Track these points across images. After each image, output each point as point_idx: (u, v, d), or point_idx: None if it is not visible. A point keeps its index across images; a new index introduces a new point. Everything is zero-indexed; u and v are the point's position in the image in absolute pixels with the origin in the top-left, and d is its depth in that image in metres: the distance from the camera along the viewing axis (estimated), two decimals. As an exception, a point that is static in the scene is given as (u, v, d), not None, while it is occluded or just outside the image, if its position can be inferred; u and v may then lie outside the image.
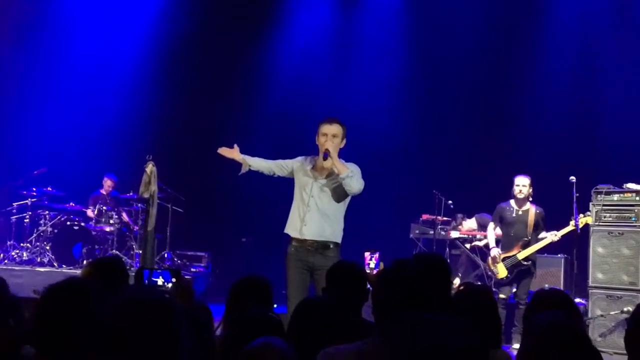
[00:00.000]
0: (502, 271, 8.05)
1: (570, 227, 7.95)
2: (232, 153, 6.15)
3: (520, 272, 8.02)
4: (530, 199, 8.13)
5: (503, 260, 8.08)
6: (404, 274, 2.71)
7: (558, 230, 8.07)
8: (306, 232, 5.61)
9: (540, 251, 9.01)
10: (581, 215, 7.98)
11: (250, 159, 6.09)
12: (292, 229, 5.71)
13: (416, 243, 10.19)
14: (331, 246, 5.59)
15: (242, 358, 2.28)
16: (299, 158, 5.96)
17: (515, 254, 8.03)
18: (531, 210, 8.09)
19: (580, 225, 7.93)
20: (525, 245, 8.02)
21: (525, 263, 8.00)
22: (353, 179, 5.54)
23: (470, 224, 10.10)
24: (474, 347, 1.63)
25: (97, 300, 2.39)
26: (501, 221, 8.26)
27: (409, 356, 1.61)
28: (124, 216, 10.95)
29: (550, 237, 8.00)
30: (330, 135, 5.62)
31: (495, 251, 8.20)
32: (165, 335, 1.84)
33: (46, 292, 2.43)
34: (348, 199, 5.75)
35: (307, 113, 12.05)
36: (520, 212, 8.11)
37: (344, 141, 5.71)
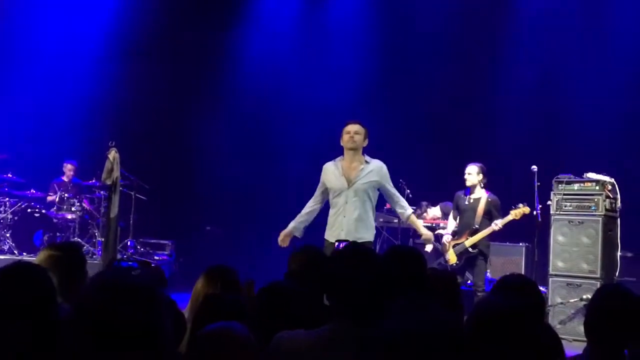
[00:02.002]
0: (452, 257, 8.15)
1: (510, 217, 7.95)
2: (287, 237, 6.48)
3: (468, 259, 8.06)
4: (481, 185, 8.14)
5: (453, 247, 8.17)
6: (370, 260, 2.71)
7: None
8: (343, 236, 5.98)
9: (502, 239, 9.14)
10: (520, 205, 8.01)
11: (298, 222, 6.48)
12: (332, 236, 6.17)
13: (380, 231, 10.22)
14: (366, 244, 5.84)
15: (201, 341, 2.27)
16: (326, 166, 6.40)
17: (463, 242, 8.09)
18: (483, 198, 8.08)
19: (518, 217, 7.96)
20: (472, 233, 8.04)
21: (472, 250, 8.03)
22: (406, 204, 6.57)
23: (434, 212, 10.16)
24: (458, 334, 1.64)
25: (45, 286, 2.36)
26: (457, 209, 8.35)
27: (401, 344, 1.60)
28: (85, 204, 10.83)
29: (492, 226, 8.03)
30: (353, 132, 6.22)
31: (445, 238, 8.32)
32: (150, 320, 1.85)
33: None
34: (377, 195, 6.34)
35: (275, 102, 12.05)
36: (472, 200, 8.15)
37: (367, 141, 6.29)
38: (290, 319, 2.73)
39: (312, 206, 6.45)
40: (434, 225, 9.97)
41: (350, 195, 6.16)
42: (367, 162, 6.28)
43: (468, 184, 8.12)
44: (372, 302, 2.49)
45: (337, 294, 2.59)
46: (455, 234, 8.31)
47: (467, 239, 8.07)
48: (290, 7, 12.39)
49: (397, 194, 6.52)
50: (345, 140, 6.26)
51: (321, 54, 12.01)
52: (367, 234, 6.16)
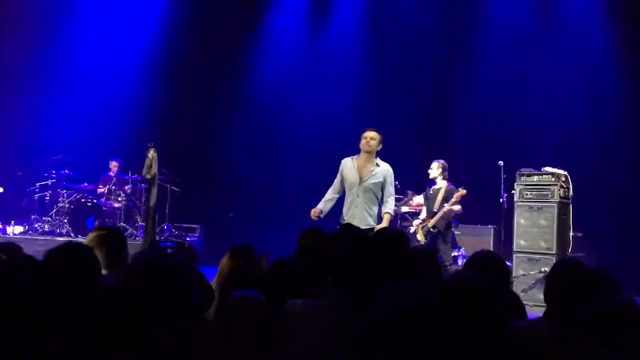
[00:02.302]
0: (421, 237, 8.19)
1: (454, 199, 7.88)
2: (317, 213, 6.46)
3: (432, 237, 8.06)
4: (442, 178, 8.11)
5: (422, 228, 8.21)
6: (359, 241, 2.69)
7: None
8: (355, 223, 6.04)
9: (474, 222, 9.17)
10: (459, 189, 8.02)
11: (323, 205, 6.48)
12: (347, 221, 6.16)
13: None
14: (373, 230, 5.99)
15: (228, 304, 2.29)
16: (344, 161, 6.46)
17: (426, 224, 8.14)
18: (442, 188, 8.10)
19: (459, 199, 7.92)
20: (432, 216, 8.10)
21: (432, 230, 8.06)
22: (391, 206, 6.38)
23: (418, 199, 10.10)
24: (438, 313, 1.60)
25: (92, 261, 2.36)
26: (425, 198, 8.42)
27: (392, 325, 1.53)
28: (128, 192, 10.81)
29: (443, 209, 8.01)
30: (369, 138, 6.32)
31: (415, 222, 8.42)
32: (179, 288, 1.89)
33: (47, 256, 2.37)
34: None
35: (283, 105, 12.02)
36: (434, 190, 8.21)
37: (381, 145, 6.40)
38: (298, 288, 2.72)
39: (331, 195, 6.50)
40: (417, 210, 9.94)
41: (361, 190, 6.28)
42: (377, 165, 6.39)
43: (430, 176, 8.21)
44: (368, 288, 2.45)
45: (338, 280, 2.55)
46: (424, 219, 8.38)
47: (429, 221, 8.13)
48: (298, 27, 12.28)
49: (391, 195, 6.47)
50: (362, 144, 6.35)
51: (321, 68, 11.93)
52: (373, 222, 6.30)
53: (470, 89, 10.86)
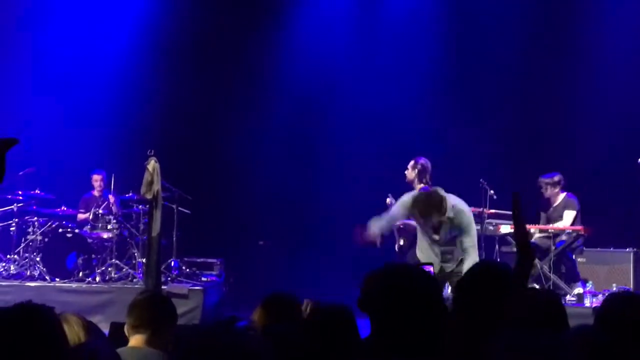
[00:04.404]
0: None
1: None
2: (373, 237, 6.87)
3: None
4: (416, 182, 8.12)
5: None
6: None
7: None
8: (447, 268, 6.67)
9: (605, 244, 9.10)
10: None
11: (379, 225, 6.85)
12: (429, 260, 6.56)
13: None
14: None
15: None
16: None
17: None
18: None
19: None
20: None
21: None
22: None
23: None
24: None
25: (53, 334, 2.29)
26: None
27: None
28: (120, 217, 10.92)
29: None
30: None
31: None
32: None
33: None
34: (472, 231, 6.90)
35: (330, 103, 12.06)
36: None
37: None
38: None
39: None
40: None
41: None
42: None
43: (407, 180, 8.20)
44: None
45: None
46: None
47: None
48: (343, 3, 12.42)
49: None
50: None
51: (379, 49, 11.96)
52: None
53: (590, 62, 10.80)
